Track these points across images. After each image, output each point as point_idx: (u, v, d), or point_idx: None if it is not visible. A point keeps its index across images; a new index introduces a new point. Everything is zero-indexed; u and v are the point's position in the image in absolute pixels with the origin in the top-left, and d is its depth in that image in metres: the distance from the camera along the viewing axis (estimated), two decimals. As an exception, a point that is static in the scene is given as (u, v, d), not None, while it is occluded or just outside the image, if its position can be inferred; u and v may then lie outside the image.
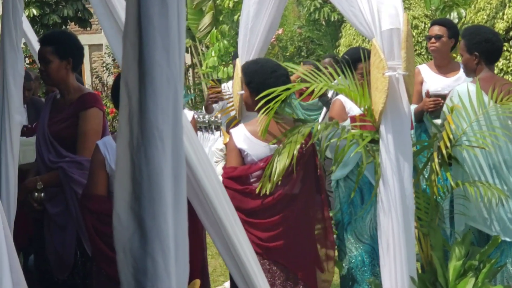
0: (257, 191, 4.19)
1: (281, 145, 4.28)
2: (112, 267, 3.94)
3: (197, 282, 3.67)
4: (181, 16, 1.59)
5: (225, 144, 4.47)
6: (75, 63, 4.65)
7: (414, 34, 11.30)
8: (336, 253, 5.43)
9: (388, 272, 3.84)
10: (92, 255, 4.15)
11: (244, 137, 4.39)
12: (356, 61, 5.02)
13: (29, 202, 4.48)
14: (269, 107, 4.08)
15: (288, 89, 4.10)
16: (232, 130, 4.49)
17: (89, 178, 4.10)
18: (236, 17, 14.56)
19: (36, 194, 4.49)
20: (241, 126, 4.49)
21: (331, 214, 5.30)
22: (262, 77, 4.35)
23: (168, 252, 1.54)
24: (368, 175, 4.95)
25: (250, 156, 4.37)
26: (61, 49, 4.59)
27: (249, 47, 5.04)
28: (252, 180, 4.35)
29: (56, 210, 4.46)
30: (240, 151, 4.39)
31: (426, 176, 4.49)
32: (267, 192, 4.11)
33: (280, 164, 4.08)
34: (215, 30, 15.63)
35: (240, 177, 4.29)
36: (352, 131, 4.15)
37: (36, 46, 6.47)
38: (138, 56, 1.53)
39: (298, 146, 4.07)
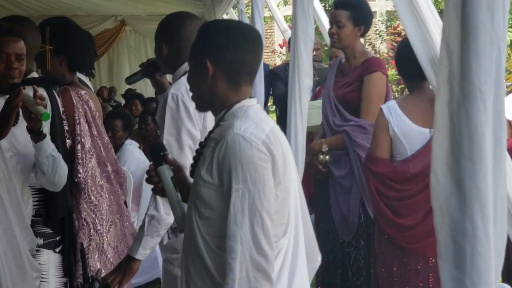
0: None
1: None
2: (394, 229, 4.00)
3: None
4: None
5: None
6: (366, 29, 4.72)
7: None
8: None
9: None
10: (374, 217, 4.22)
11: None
12: None
13: (314, 164, 4.63)
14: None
15: None
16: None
17: (373, 141, 4.16)
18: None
19: (321, 156, 4.62)
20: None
21: None
22: None
23: (487, 214, 1.52)
24: None
25: None
26: (357, 15, 4.65)
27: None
28: None
29: (341, 173, 4.57)
30: None
31: None
32: None
33: None
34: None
35: None
36: None
37: (321, 12, 6.64)
38: (461, 16, 1.52)
39: None
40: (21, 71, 3.31)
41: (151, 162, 2.62)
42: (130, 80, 3.85)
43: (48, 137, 3.26)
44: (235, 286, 2.20)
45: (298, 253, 2.45)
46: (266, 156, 2.29)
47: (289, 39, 6.69)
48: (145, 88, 13.60)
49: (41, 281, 3.50)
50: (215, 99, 2.45)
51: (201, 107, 2.57)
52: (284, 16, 9.81)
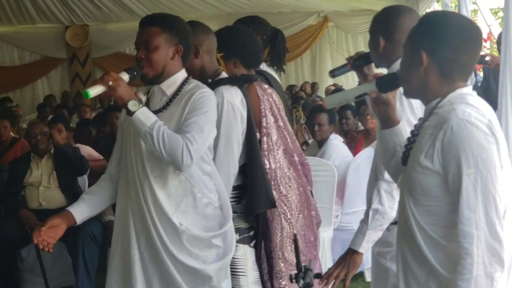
0: None
1: None
2: None
3: None
4: None
5: None
6: None
7: None
8: None
9: None
10: None
11: None
12: None
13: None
14: None
15: None
16: None
17: None
18: None
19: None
20: None
21: None
22: None
23: None
24: None
25: None
26: None
27: None
28: None
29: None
30: None
31: None
32: None
33: None
34: None
35: None
36: None
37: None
38: None
39: None
40: (150, 60, 3.22)
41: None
42: (334, 72, 3.75)
43: (139, 115, 3.05)
44: (473, 271, 2.23)
45: None
46: (492, 138, 2.30)
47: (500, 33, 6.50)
48: (346, 83, 13.70)
49: (241, 275, 3.63)
50: (426, 89, 2.47)
51: (409, 94, 2.59)
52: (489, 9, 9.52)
